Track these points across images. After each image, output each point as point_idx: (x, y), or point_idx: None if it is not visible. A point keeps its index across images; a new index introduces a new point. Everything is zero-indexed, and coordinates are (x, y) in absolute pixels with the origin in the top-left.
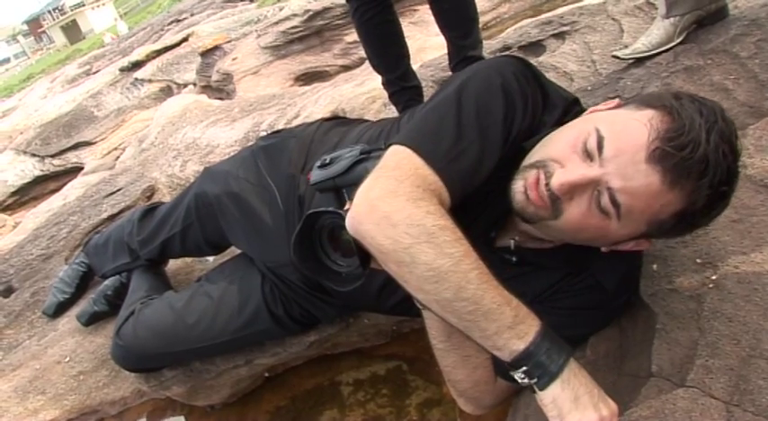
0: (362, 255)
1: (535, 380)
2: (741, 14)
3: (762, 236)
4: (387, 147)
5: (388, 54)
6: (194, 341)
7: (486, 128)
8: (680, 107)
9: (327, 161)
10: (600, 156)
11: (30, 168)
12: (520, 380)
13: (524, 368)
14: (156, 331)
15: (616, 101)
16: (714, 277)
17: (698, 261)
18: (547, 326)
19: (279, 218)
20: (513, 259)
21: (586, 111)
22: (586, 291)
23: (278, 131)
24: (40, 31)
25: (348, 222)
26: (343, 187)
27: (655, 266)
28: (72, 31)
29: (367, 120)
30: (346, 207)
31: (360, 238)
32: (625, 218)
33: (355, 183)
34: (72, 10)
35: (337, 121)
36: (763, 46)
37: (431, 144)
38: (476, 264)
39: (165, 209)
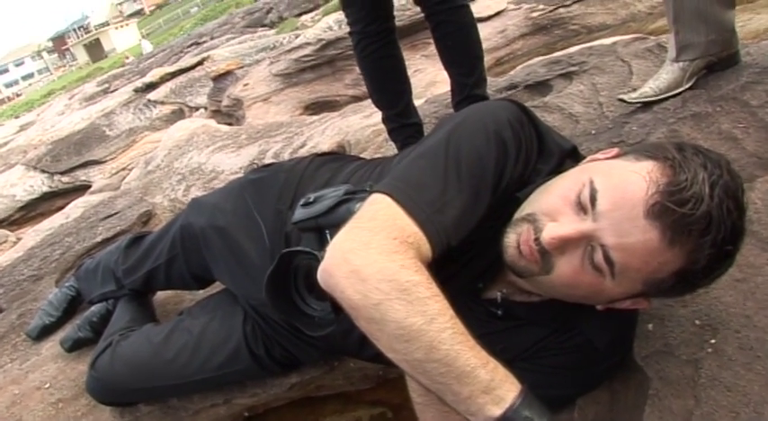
0: (335, 300)
1: None
2: (753, 61)
3: (767, 298)
4: (371, 191)
5: (388, 89)
6: (171, 377)
7: (475, 177)
8: (682, 159)
9: (311, 200)
10: (593, 209)
11: (38, 184)
12: None
13: None
14: (133, 365)
15: (615, 149)
16: (713, 341)
17: (697, 322)
18: (528, 391)
19: (264, 254)
20: (499, 312)
21: (585, 160)
22: (575, 349)
23: (269, 165)
24: (63, 48)
25: (319, 274)
26: (325, 227)
27: (650, 326)
28: (95, 49)
29: (361, 158)
30: (325, 249)
31: (329, 291)
32: (620, 276)
33: (338, 224)
34: (96, 29)
35: (330, 157)
36: None
37: (414, 193)
38: (450, 323)
39: (151, 238)
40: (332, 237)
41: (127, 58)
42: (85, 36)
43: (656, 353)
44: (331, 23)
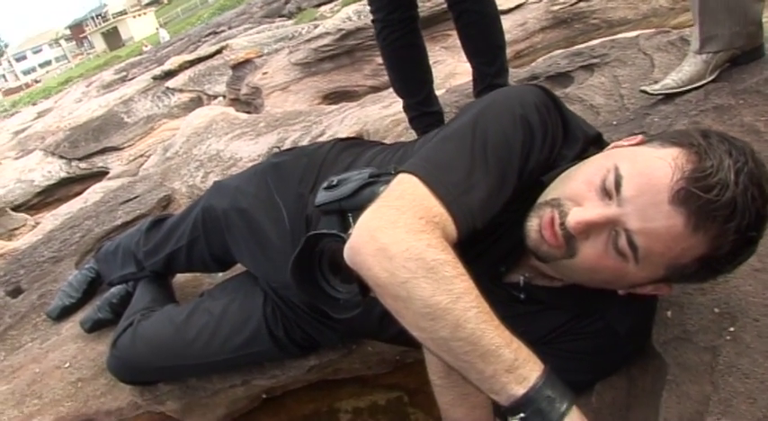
0: (363, 282)
1: None
2: None
3: None
4: (396, 172)
5: (410, 78)
6: (191, 357)
7: (502, 160)
8: (708, 146)
9: (334, 183)
10: (618, 195)
11: (56, 170)
12: None
13: (522, 415)
14: (154, 344)
15: (640, 137)
16: (732, 329)
17: (716, 310)
18: (550, 371)
19: (285, 237)
20: (522, 296)
21: (608, 147)
22: (596, 334)
23: (291, 149)
24: (81, 36)
25: (345, 252)
26: (348, 210)
27: (669, 313)
28: (112, 37)
29: (382, 143)
30: (350, 231)
31: (356, 269)
32: (643, 261)
33: (361, 207)
34: (114, 17)
35: (352, 142)
36: None
37: (440, 174)
38: (476, 303)
39: (172, 221)
40: (354, 221)
41: (145, 46)
42: (103, 24)
43: (675, 339)
44: (350, 14)
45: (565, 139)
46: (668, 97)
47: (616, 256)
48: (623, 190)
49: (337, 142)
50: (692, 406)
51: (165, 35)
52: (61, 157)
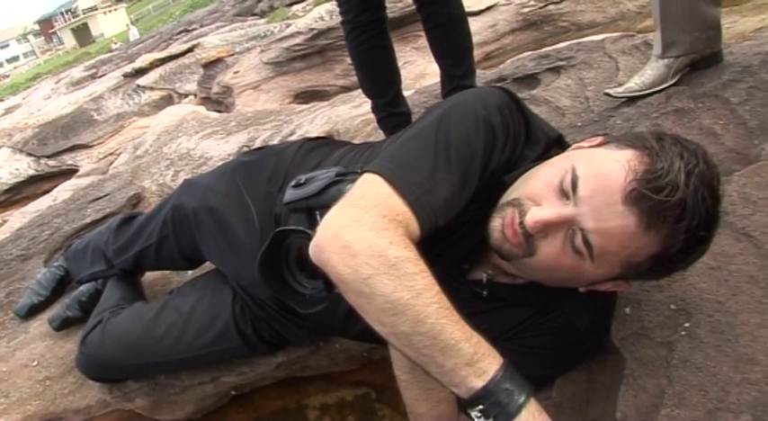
0: (328, 278)
1: (491, 419)
2: (735, 60)
3: (739, 285)
4: (362, 172)
5: (378, 79)
6: (160, 354)
7: (464, 160)
8: (660, 149)
9: (302, 181)
10: (574, 195)
11: (24, 167)
12: (476, 419)
13: (480, 406)
14: (123, 342)
15: (600, 138)
16: (687, 325)
17: (672, 307)
18: (509, 365)
19: (254, 235)
20: (484, 293)
21: (571, 147)
22: (557, 330)
23: (260, 148)
24: (50, 31)
25: (310, 249)
26: (315, 208)
27: (628, 310)
28: (82, 33)
29: (350, 143)
30: (317, 228)
31: (321, 266)
32: (598, 259)
33: (328, 205)
34: (84, 13)
35: (320, 142)
36: (753, 93)
37: (404, 174)
38: (436, 298)
39: (142, 219)
40: (322, 218)
41: (114, 43)
42: (73, 20)
43: (633, 335)
44: (323, 13)
45: (527, 141)
46: (631, 100)
47: (573, 254)
48: (579, 190)
49: (306, 142)
50: (648, 399)
51: (135, 33)
52: (29, 155)
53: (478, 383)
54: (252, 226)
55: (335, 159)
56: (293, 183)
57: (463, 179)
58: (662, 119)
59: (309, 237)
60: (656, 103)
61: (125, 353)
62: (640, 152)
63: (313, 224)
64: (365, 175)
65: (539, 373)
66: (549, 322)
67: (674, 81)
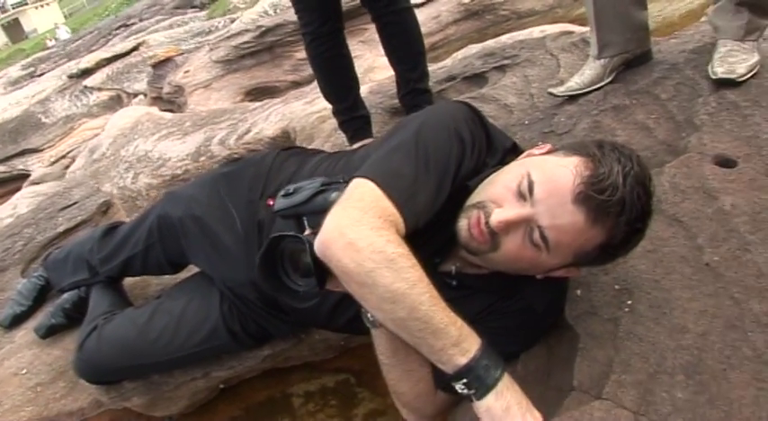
0: (320, 276)
1: (473, 391)
2: (663, 58)
3: (672, 265)
4: (349, 180)
5: (339, 85)
6: (155, 355)
7: (440, 169)
8: (602, 156)
9: (291, 191)
10: (531, 197)
11: None
12: (460, 391)
13: (464, 380)
14: (119, 346)
15: (548, 146)
16: (630, 302)
17: (616, 287)
18: (486, 344)
19: (239, 241)
20: (454, 283)
21: (523, 154)
22: (518, 312)
23: (237, 159)
24: None
25: (317, 246)
26: (303, 215)
27: (579, 292)
28: (14, 29)
29: (322, 152)
30: (306, 232)
31: (326, 261)
32: (554, 250)
33: (315, 212)
34: (14, 8)
35: (293, 151)
36: (680, 89)
37: (392, 180)
38: (427, 289)
39: (125, 229)
40: (309, 224)
41: (49, 39)
42: (2, 16)
43: (584, 313)
44: (266, 8)
45: (488, 150)
46: (572, 98)
47: (532, 247)
48: (535, 193)
49: (280, 152)
50: (599, 368)
51: (64, 33)
52: None
53: (463, 360)
54: (236, 232)
55: (311, 168)
56: (282, 192)
57: (439, 185)
58: (601, 116)
59: (301, 242)
60: (595, 100)
61: (121, 356)
62: (585, 159)
63: (301, 229)
64: (358, 181)
65: (505, 350)
66: (512, 306)
67: (610, 79)
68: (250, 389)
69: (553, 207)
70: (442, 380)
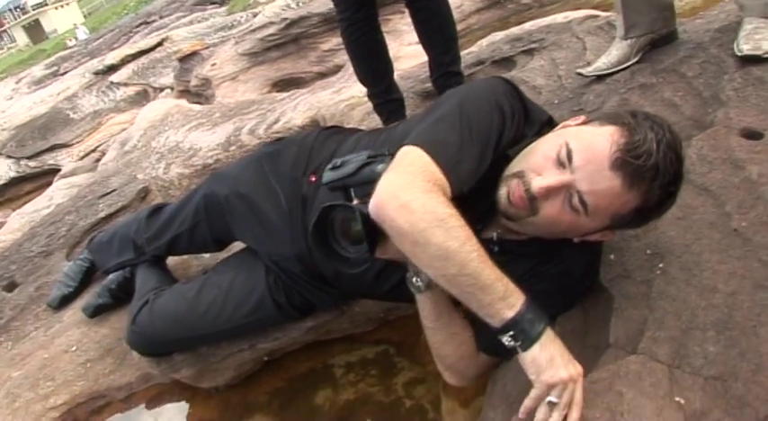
0: (370, 242)
1: (519, 343)
2: (689, 38)
3: (701, 231)
4: (394, 152)
5: (374, 69)
6: (205, 327)
7: (483, 139)
8: (636, 124)
9: (339, 164)
10: (570, 165)
11: (5, 170)
12: (507, 343)
13: (511, 333)
14: (170, 319)
15: (583, 117)
16: (661, 265)
17: (648, 252)
18: (530, 300)
19: (283, 217)
20: (495, 248)
21: (559, 126)
22: (557, 276)
23: (280, 139)
24: (0, 30)
25: (371, 208)
26: (351, 186)
27: (612, 256)
28: (35, 30)
29: (360, 130)
30: (354, 202)
31: (380, 222)
32: (592, 214)
33: (362, 183)
34: (34, 9)
35: (334, 130)
36: (706, 67)
37: (439, 148)
38: (476, 247)
39: (171, 208)
40: (357, 194)
41: (69, 39)
42: (23, 17)
43: (618, 276)
44: (289, 1)
45: (526, 122)
46: (600, 78)
47: (571, 212)
48: (574, 161)
49: (321, 131)
50: (634, 326)
51: (82, 34)
52: (9, 157)
53: (509, 314)
54: (281, 208)
55: (351, 145)
56: (330, 166)
57: (482, 154)
58: (629, 93)
59: (352, 210)
60: (622, 79)
61: (172, 328)
62: (620, 127)
63: (349, 200)
64: (407, 148)
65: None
66: (551, 269)
67: (636, 59)
68: (293, 361)
69: (592, 173)
70: (485, 339)
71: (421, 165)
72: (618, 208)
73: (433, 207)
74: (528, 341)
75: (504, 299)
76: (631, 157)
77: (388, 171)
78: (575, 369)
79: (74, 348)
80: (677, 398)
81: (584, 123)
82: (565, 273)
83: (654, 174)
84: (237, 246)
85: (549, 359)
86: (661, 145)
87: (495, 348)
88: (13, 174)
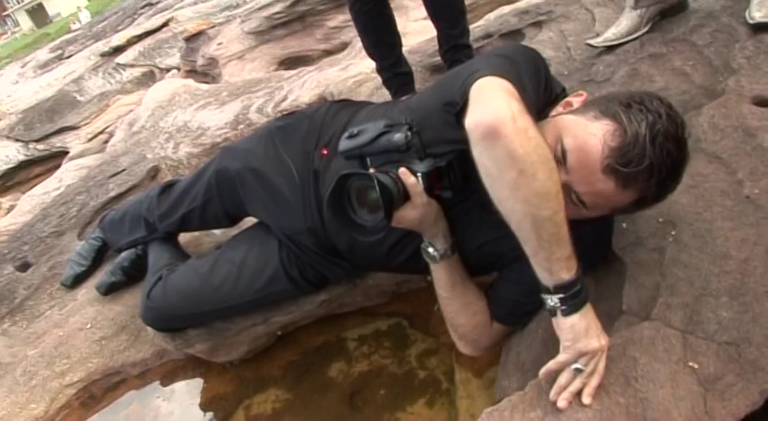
0: (387, 210)
1: (565, 306)
2: (699, 7)
3: (713, 198)
4: (411, 121)
5: (382, 43)
6: (219, 302)
7: (534, 78)
8: (628, 121)
9: (355, 133)
10: (565, 165)
11: (14, 153)
12: (550, 303)
13: (561, 295)
14: (184, 293)
15: (584, 95)
16: (673, 233)
17: (660, 220)
18: (581, 267)
19: (295, 190)
20: None
21: (561, 103)
22: None
23: (291, 113)
24: (4, 14)
25: (478, 125)
26: (367, 155)
27: (624, 225)
28: (38, 14)
29: (371, 103)
30: (370, 171)
31: (490, 139)
32: (592, 208)
33: (378, 152)
34: None
35: (345, 103)
36: (717, 36)
37: (513, 78)
38: (562, 199)
39: (183, 185)
40: (372, 163)
41: (73, 22)
42: (26, 1)
43: (630, 244)
44: None
45: (546, 87)
46: (610, 48)
47: (572, 206)
48: (569, 162)
49: (332, 104)
50: (647, 292)
51: (85, 16)
52: (17, 140)
53: (567, 276)
54: (293, 182)
55: (364, 116)
56: (346, 134)
57: (537, 89)
58: (639, 63)
59: (369, 178)
60: (632, 49)
61: (186, 303)
62: (613, 126)
63: (365, 168)
64: (484, 80)
65: None
66: None
67: (646, 29)
68: (306, 335)
69: (586, 176)
70: (500, 308)
71: (512, 90)
72: (616, 203)
73: (543, 142)
74: (573, 307)
75: (568, 259)
76: (621, 164)
77: (484, 92)
78: (605, 340)
79: (88, 326)
80: (691, 363)
81: (583, 106)
82: (577, 243)
83: (648, 175)
84: (249, 221)
85: (585, 327)
86: (657, 138)
87: (509, 317)
88: (21, 158)
